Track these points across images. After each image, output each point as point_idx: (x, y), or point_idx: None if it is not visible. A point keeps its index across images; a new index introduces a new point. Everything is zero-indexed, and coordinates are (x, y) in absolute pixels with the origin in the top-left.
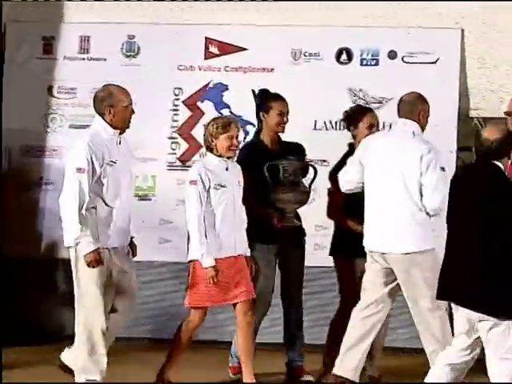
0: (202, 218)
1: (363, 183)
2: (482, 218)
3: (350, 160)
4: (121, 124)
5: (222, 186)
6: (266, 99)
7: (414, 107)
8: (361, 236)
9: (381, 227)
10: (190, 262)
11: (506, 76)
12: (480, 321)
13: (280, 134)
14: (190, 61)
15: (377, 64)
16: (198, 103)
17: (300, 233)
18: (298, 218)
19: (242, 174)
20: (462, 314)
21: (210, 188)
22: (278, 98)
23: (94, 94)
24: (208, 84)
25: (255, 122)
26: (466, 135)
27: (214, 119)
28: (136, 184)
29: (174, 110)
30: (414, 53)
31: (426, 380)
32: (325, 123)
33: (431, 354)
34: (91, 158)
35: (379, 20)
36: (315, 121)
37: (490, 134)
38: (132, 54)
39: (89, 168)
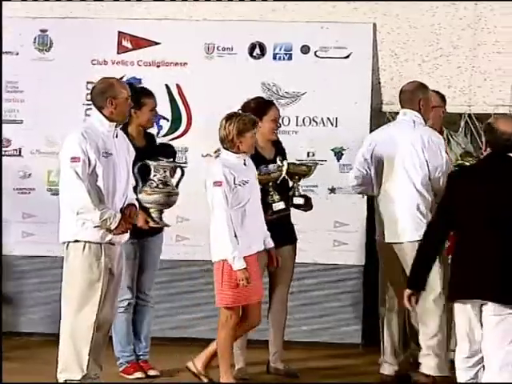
0: (230, 219)
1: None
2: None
3: (356, 157)
4: (121, 117)
5: (246, 182)
6: (139, 94)
7: (414, 96)
8: None
9: (389, 219)
10: (217, 261)
11: (418, 70)
12: (494, 315)
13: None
14: (103, 55)
15: (290, 58)
16: None
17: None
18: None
19: None
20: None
21: (235, 186)
22: (151, 94)
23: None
24: (121, 78)
25: (169, 116)
26: None
27: (236, 116)
28: (50, 179)
29: (88, 104)
30: (327, 47)
31: None
32: None
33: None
34: (85, 147)
35: (292, 14)
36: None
37: (506, 127)
38: (45, 48)
39: (84, 158)
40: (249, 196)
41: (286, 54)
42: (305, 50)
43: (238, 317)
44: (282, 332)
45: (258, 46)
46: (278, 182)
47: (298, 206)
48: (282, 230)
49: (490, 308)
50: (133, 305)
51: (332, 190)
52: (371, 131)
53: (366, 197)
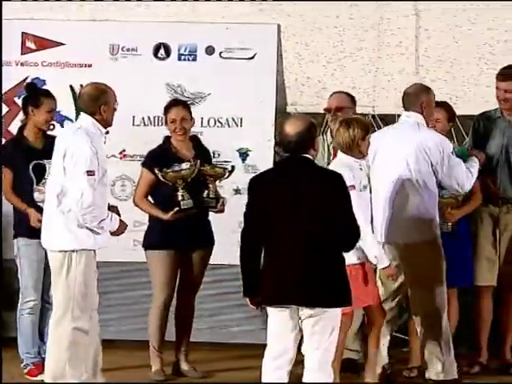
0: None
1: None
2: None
3: None
4: (110, 123)
5: (365, 188)
6: (38, 94)
7: (417, 99)
8: None
9: (388, 219)
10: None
11: (323, 71)
12: (309, 317)
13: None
14: (6, 56)
15: (194, 59)
16: (15, 99)
17: None
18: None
19: (8, 171)
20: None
21: (359, 191)
22: (50, 96)
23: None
24: (25, 79)
25: (73, 118)
26: None
27: (356, 121)
28: None
29: None
30: (232, 48)
31: None
32: (143, 119)
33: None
34: (97, 161)
35: (197, 15)
36: (133, 116)
37: (289, 128)
38: None
39: (96, 171)
40: (368, 200)
41: (190, 54)
42: (209, 50)
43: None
44: (188, 333)
45: (162, 47)
46: (189, 180)
47: (210, 208)
48: (198, 232)
49: (306, 311)
50: (39, 307)
51: (237, 191)
52: (276, 132)
53: None
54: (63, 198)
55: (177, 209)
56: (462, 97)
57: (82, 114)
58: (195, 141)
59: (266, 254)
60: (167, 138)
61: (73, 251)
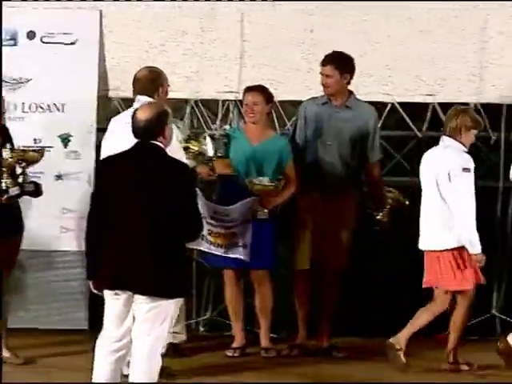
0: None
1: None
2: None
3: None
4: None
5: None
6: None
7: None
8: None
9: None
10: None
11: (144, 57)
12: (143, 303)
13: None
14: None
15: (15, 44)
16: None
17: None
18: None
19: None
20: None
21: None
22: None
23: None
24: None
25: None
26: (105, 116)
27: (468, 111)
28: None
29: None
30: (53, 33)
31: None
32: None
33: None
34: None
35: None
36: None
37: (140, 115)
38: None
39: None
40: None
41: (10, 39)
42: (30, 35)
43: None
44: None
45: None
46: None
47: (28, 193)
48: (12, 218)
49: (140, 298)
50: None
51: (59, 177)
52: (98, 118)
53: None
54: None
55: (6, 196)
56: (284, 82)
57: (142, 98)
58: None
59: (107, 238)
60: None
61: None
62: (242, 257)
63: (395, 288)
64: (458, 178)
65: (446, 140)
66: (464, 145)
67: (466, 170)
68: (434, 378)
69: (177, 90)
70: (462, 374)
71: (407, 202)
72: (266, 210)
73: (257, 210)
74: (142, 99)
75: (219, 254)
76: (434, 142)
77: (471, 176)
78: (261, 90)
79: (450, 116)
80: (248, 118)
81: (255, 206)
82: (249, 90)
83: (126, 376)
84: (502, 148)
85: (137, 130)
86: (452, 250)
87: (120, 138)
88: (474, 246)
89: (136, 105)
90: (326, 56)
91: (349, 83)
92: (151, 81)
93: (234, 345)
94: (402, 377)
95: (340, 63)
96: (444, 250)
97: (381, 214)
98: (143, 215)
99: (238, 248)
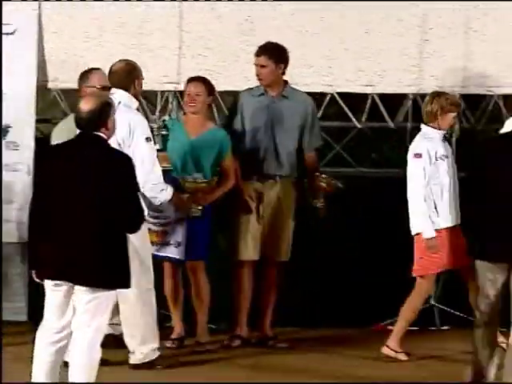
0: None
1: None
2: (101, 191)
3: None
4: (138, 97)
5: (446, 157)
6: None
7: None
8: None
9: None
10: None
11: (83, 47)
12: (83, 294)
13: None
14: None
15: None
16: None
17: None
18: None
19: None
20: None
21: (436, 160)
22: None
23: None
24: None
25: None
26: (44, 107)
27: (444, 94)
28: None
29: None
30: None
31: None
32: None
33: None
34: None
35: None
36: None
37: (83, 105)
38: None
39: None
40: (448, 170)
41: None
42: None
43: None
44: None
45: None
46: None
47: None
48: None
49: (81, 288)
50: None
51: None
52: (37, 108)
53: (32, 175)
54: None
55: None
56: (223, 73)
57: (117, 91)
58: None
59: (48, 228)
60: None
61: None
62: (174, 256)
63: (337, 278)
64: (409, 163)
65: (422, 127)
66: (441, 129)
67: (417, 155)
68: (375, 367)
69: None
70: (401, 363)
71: (340, 185)
72: (199, 208)
73: (190, 208)
74: (117, 94)
75: (152, 251)
76: (374, 132)
77: (422, 162)
78: (203, 80)
79: (425, 102)
80: (188, 108)
81: (188, 204)
82: (192, 80)
83: (66, 363)
84: None
85: (80, 120)
86: (415, 235)
87: None
88: (423, 232)
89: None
90: (260, 47)
91: (283, 73)
92: (127, 73)
93: (173, 336)
94: (342, 366)
95: (274, 53)
96: (414, 235)
97: (317, 200)
98: (84, 206)
99: (169, 247)
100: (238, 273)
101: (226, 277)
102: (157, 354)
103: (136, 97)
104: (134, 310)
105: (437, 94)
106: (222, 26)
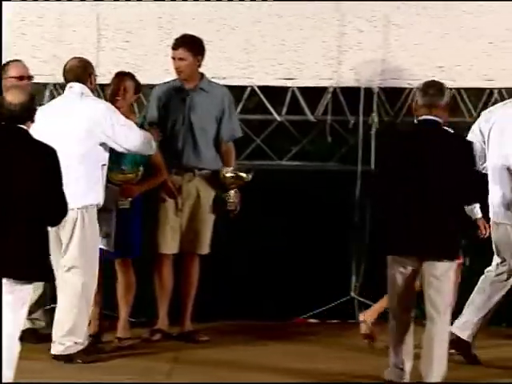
0: None
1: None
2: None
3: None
4: (93, 92)
5: None
6: None
7: None
8: None
9: None
10: None
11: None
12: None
13: None
14: None
15: None
16: None
17: None
18: None
19: None
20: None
21: None
22: None
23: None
24: None
25: None
26: None
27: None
28: None
29: None
30: None
31: None
32: None
33: None
34: None
35: None
36: None
37: (10, 98)
38: None
39: None
40: None
41: None
42: None
43: None
44: None
45: None
46: None
47: None
48: None
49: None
50: None
51: None
52: None
53: None
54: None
55: None
56: (142, 66)
57: (75, 84)
58: None
59: None
60: None
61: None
62: (103, 247)
63: (259, 271)
64: None
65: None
66: None
67: None
68: (297, 360)
69: (36, 73)
70: (324, 357)
71: (249, 178)
72: (127, 200)
73: (118, 200)
74: (76, 85)
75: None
76: (294, 125)
77: None
78: (131, 76)
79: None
80: (114, 102)
81: (116, 196)
82: (119, 74)
83: None
84: (360, 131)
85: (9, 113)
86: None
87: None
88: None
89: (68, 92)
90: (177, 40)
91: (199, 66)
92: (83, 68)
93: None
94: (264, 358)
95: (192, 46)
96: None
97: (226, 194)
98: (5, 197)
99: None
100: (158, 266)
101: (145, 270)
102: (78, 348)
103: (92, 91)
104: (71, 300)
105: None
106: (141, 19)
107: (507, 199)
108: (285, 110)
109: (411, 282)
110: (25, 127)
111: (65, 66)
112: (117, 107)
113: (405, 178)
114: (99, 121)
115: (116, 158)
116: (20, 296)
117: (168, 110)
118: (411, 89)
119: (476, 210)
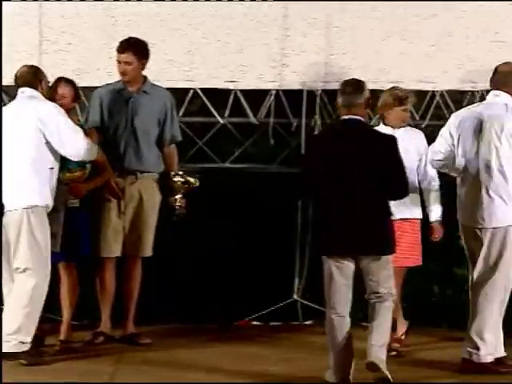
0: None
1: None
2: None
3: (441, 131)
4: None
5: None
6: None
7: (509, 78)
8: None
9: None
10: None
11: None
12: None
13: None
14: None
15: None
16: None
17: None
18: None
19: None
20: None
21: None
22: None
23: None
24: None
25: None
26: None
27: (389, 90)
28: None
29: None
30: None
31: None
32: None
33: None
34: None
35: None
36: None
37: None
38: None
39: None
40: None
41: None
42: None
43: None
44: None
45: None
46: None
47: None
48: None
49: None
50: None
51: None
52: None
53: None
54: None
55: None
56: (85, 68)
57: (26, 88)
58: None
59: None
60: None
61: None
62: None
63: (200, 274)
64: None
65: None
66: (391, 125)
67: None
68: (239, 362)
69: None
70: (265, 358)
71: (197, 184)
72: (77, 199)
73: (68, 199)
74: (27, 90)
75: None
76: (237, 128)
77: None
78: (70, 82)
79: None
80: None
81: (65, 196)
82: (60, 80)
83: None
84: (302, 134)
85: None
86: None
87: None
88: None
89: (20, 96)
90: (122, 43)
91: (143, 69)
92: (33, 74)
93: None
94: (206, 360)
95: (138, 49)
96: None
97: (173, 198)
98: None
99: None
100: (100, 270)
101: (88, 272)
102: (23, 348)
103: (43, 96)
104: (20, 299)
105: (385, 91)
106: (83, 22)
107: (476, 201)
108: (227, 112)
109: (348, 274)
110: None
111: (16, 73)
112: None
113: (330, 177)
114: (45, 120)
115: (62, 157)
116: None
117: (111, 113)
118: None
119: (433, 213)
